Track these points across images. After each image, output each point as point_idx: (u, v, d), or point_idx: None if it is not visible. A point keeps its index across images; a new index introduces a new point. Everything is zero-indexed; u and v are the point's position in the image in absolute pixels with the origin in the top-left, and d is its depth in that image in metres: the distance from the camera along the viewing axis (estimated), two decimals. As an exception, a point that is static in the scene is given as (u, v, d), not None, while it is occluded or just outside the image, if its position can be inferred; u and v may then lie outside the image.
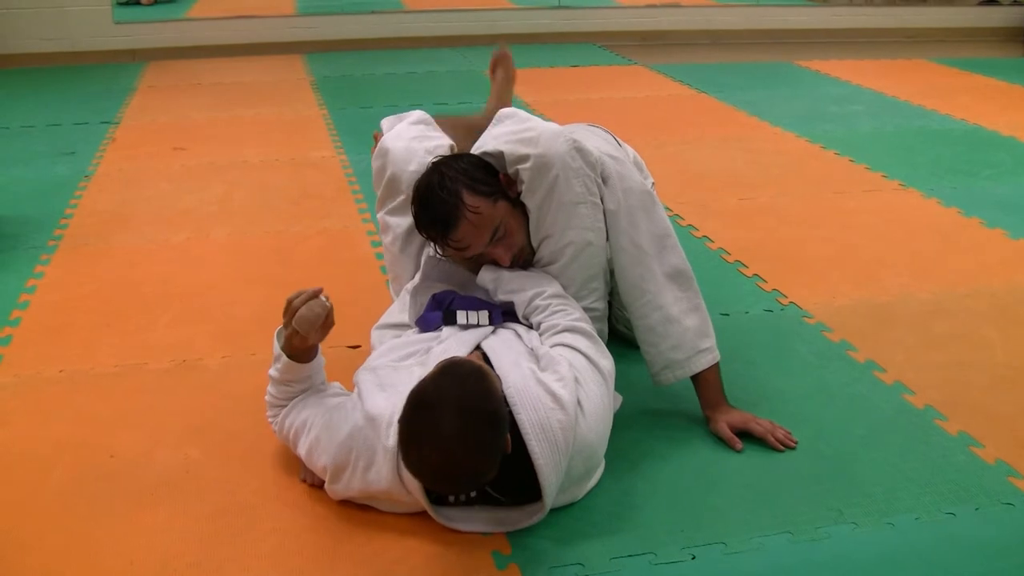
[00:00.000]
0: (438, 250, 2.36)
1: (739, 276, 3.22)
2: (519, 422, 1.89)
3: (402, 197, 2.48)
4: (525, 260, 2.35)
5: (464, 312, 2.21)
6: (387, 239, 2.59)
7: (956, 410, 2.45)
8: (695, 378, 2.35)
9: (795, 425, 2.36)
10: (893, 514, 2.05)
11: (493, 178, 2.29)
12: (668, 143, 4.71)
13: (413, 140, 2.51)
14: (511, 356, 2.05)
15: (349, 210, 3.81)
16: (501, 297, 2.29)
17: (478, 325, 2.19)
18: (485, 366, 1.90)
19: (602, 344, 2.23)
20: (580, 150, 2.24)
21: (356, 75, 6.37)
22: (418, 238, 2.46)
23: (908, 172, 4.28)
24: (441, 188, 2.22)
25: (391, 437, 1.92)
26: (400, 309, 2.45)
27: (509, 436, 1.84)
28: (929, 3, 7.98)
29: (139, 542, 1.96)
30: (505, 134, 2.33)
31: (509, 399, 1.90)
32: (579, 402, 2.00)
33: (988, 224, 3.67)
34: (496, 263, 2.33)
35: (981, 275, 3.25)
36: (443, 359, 1.91)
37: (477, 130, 2.57)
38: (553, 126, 2.30)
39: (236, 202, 3.92)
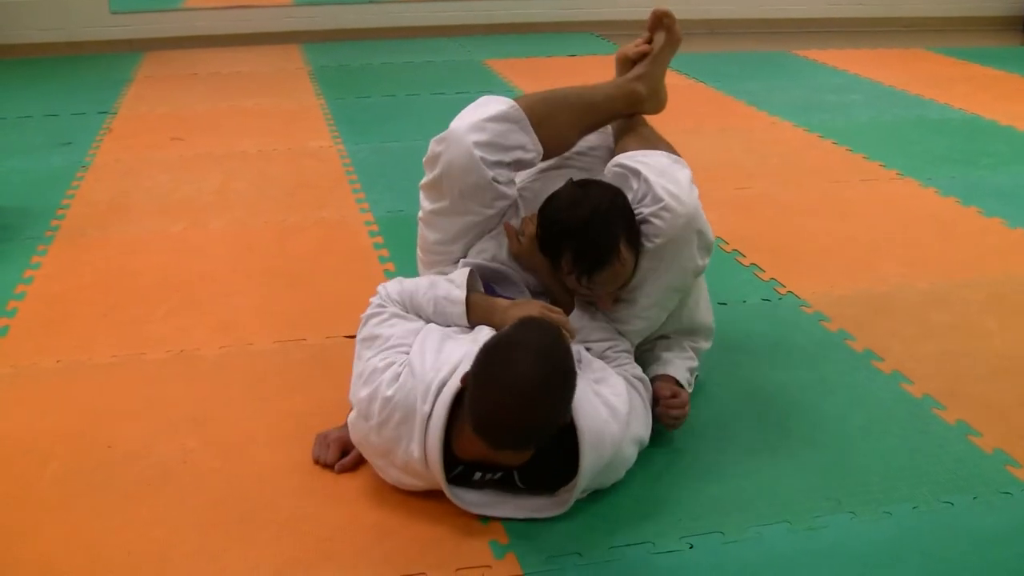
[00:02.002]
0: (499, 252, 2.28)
1: (737, 266, 3.21)
2: (578, 425, 1.89)
3: (447, 203, 2.26)
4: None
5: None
6: (431, 235, 2.36)
7: (954, 399, 2.45)
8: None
9: (792, 415, 2.37)
10: (891, 503, 2.05)
11: (638, 229, 2.15)
12: (665, 132, 4.63)
13: (479, 149, 2.19)
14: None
15: (347, 200, 3.80)
16: (575, 344, 2.20)
17: None
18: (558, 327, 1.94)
19: (650, 411, 2.20)
20: (707, 247, 2.22)
21: (354, 65, 6.35)
22: (463, 238, 2.32)
23: (906, 161, 4.27)
24: (602, 226, 2.07)
25: (428, 402, 1.90)
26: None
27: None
28: (927, -8, 7.97)
29: (137, 533, 1.96)
30: (653, 171, 2.20)
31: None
32: (628, 423, 2.02)
33: (986, 213, 3.67)
34: (594, 303, 2.25)
35: (979, 264, 3.25)
36: (521, 315, 1.95)
37: (593, 113, 2.43)
38: (687, 186, 2.20)
39: (234, 192, 3.91)
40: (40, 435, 2.29)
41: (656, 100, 2.56)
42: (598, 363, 2.14)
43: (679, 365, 2.35)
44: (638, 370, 2.23)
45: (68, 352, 2.67)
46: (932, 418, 2.38)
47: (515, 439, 1.83)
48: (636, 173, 2.20)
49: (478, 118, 2.23)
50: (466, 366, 1.89)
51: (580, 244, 2.08)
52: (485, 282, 2.25)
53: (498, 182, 2.23)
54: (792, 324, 2.84)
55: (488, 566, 1.86)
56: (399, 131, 4.65)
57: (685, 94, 5.63)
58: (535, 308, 2.08)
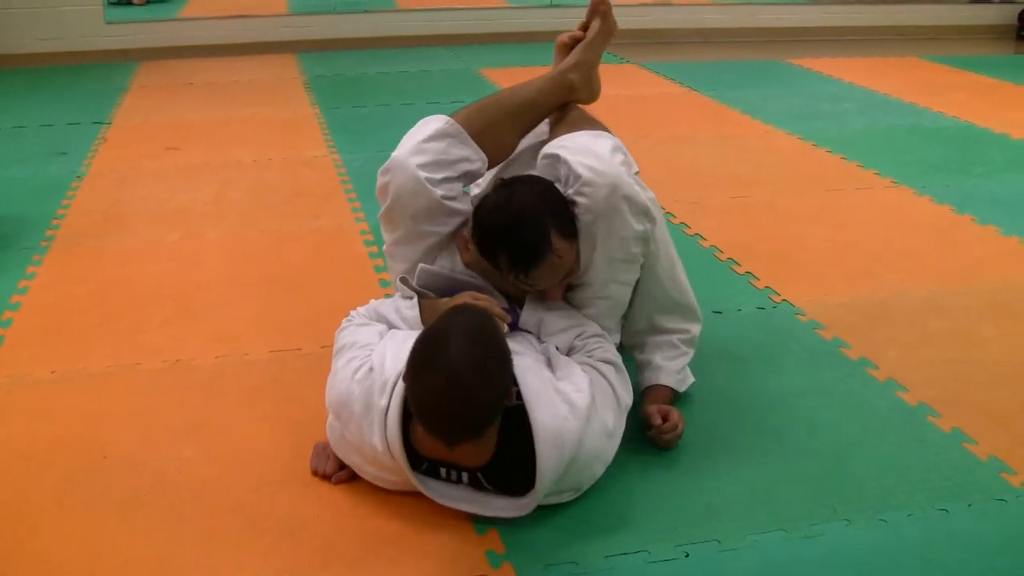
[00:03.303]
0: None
1: (731, 274, 3.22)
2: (533, 423, 1.90)
3: (403, 231, 2.30)
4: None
5: None
6: (399, 266, 2.37)
7: (949, 407, 2.45)
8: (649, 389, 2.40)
9: (787, 423, 2.37)
10: (886, 511, 2.05)
11: (571, 215, 2.15)
12: (660, 141, 4.71)
13: (423, 170, 2.23)
14: (529, 360, 2.05)
15: (342, 209, 3.80)
16: (544, 339, 2.23)
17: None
18: (486, 311, 1.99)
19: (628, 379, 2.22)
20: (642, 211, 2.17)
21: (349, 74, 6.36)
22: (428, 261, 2.32)
23: (900, 170, 4.28)
24: (531, 223, 2.08)
25: (384, 396, 1.94)
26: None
27: (515, 390, 1.90)
28: (920, 1, 7.98)
29: (134, 541, 1.96)
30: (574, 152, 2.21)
31: (526, 400, 1.91)
32: (589, 418, 2.00)
33: (980, 221, 3.67)
34: (542, 296, 2.26)
35: (973, 272, 3.26)
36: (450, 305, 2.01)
37: (528, 111, 2.46)
38: (608, 156, 2.21)
39: (229, 202, 3.91)
40: (36, 444, 2.29)
41: (588, 89, 2.57)
42: (563, 359, 2.13)
43: (669, 369, 2.37)
44: (610, 352, 2.21)
45: (64, 361, 2.67)
46: (927, 426, 2.38)
47: (454, 424, 1.82)
48: (558, 158, 2.22)
49: (417, 140, 2.28)
50: None
51: (512, 244, 2.11)
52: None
53: (448, 198, 2.25)
54: (787, 332, 2.85)
55: None
56: (394, 140, 4.54)
57: (680, 103, 5.64)
58: (463, 298, 2.14)
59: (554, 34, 2.68)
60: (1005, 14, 7.98)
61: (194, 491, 2.11)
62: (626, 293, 2.32)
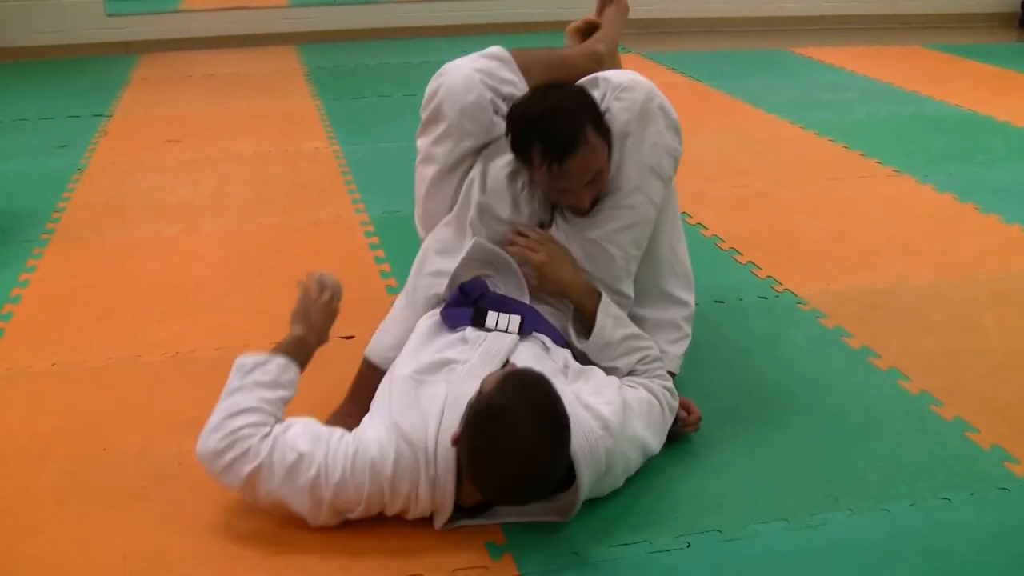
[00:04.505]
0: (520, 177, 2.25)
1: (734, 263, 3.21)
2: (571, 451, 1.86)
3: (445, 125, 2.31)
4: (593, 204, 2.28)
5: (495, 315, 2.13)
6: (428, 170, 2.38)
7: (951, 396, 2.44)
8: None
9: (789, 412, 2.36)
10: (888, 500, 2.05)
11: (606, 125, 2.19)
12: (662, 131, 4.69)
13: (478, 72, 2.29)
14: (549, 374, 1.98)
15: (343, 201, 3.79)
16: (607, 363, 2.18)
17: (507, 331, 2.11)
18: (541, 372, 1.87)
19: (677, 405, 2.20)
20: (674, 126, 2.29)
21: (349, 66, 6.35)
22: (458, 173, 2.33)
23: (902, 158, 4.27)
24: (567, 114, 2.10)
25: (431, 466, 1.86)
26: (440, 249, 2.33)
27: None
28: (923, -11, 7.97)
29: (132, 535, 1.96)
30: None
31: None
32: (622, 432, 1.99)
33: (983, 210, 3.66)
34: (574, 209, 2.25)
35: (976, 261, 3.25)
36: (502, 373, 1.86)
37: (564, 67, 2.51)
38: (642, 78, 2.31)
39: (229, 194, 3.91)
40: (36, 438, 2.29)
41: (613, 60, 2.67)
42: (587, 368, 2.12)
43: (672, 355, 2.35)
44: (668, 381, 2.20)
45: (64, 355, 2.66)
46: (929, 415, 2.37)
47: (523, 497, 1.85)
48: (595, 79, 2.30)
49: (473, 56, 2.36)
50: (450, 414, 1.87)
51: (547, 131, 2.10)
52: (480, 280, 2.24)
53: (495, 105, 2.29)
54: (789, 321, 2.84)
55: (485, 567, 1.86)
56: (395, 132, 4.64)
57: (682, 92, 5.61)
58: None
59: (555, 24, 2.70)
60: (1008, 2, 7.95)
61: (194, 484, 2.10)
62: (650, 214, 2.28)
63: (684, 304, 2.41)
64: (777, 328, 2.80)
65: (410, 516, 1.94)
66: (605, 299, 2.21)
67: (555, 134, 2.09)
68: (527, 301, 2.22)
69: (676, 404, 2.19)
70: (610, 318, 2.20)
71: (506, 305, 2.17)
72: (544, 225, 2.30)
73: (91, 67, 6.38)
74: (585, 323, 2.22)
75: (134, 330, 2.80)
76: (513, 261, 2.24)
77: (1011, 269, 3.18)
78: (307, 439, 1.91)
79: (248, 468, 1.89)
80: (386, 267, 3.15)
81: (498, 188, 2.26)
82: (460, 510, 1.92)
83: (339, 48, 6.86)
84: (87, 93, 5.65)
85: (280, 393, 2.02)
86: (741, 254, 3.27)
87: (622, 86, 2.24)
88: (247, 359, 2.06)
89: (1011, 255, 3.30)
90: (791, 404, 2.40)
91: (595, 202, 2.24)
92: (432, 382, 1.98)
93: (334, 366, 2.34)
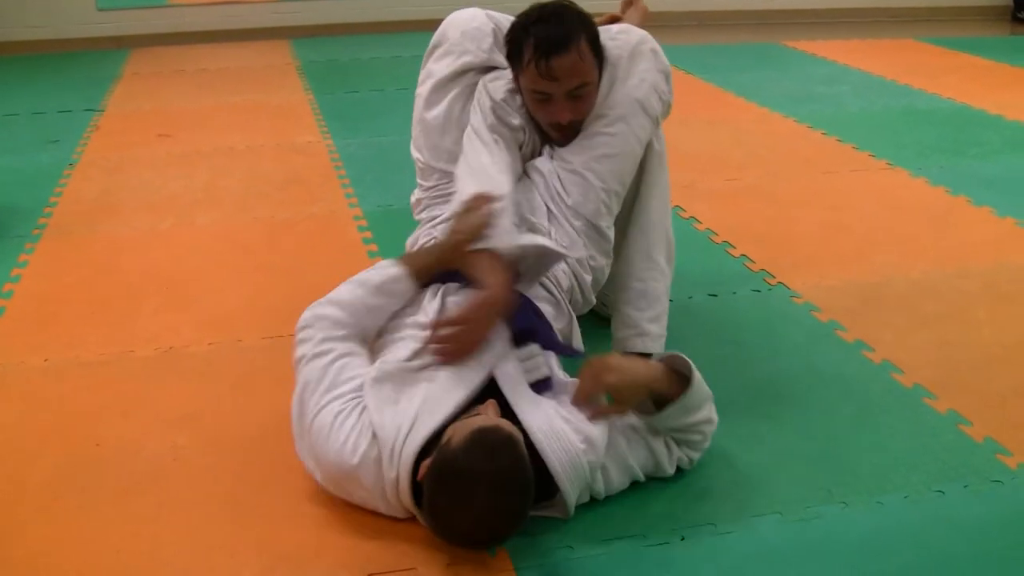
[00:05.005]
0: (505, 88, 2.33)
1: (727, 257, 3.21)
2: (549, 465, 1.86)
3: (447, 45, 2.46)
4: (573, 132, 2.33)
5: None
6: (426, 85, 2.50)
7: (945, 389, 2.45)
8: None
9: (783, 405, 2.36)
10: (882, 493, 2.05)
11: (601, 48, 2.28)
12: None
13: (484, 10, 2.48)
14: (528, 392, 1.99)
15: (336, 195, 3.79)
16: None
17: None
18: (515, 432, 1.81)
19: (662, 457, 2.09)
20: (665, 71, 2.37)
21: (342, 59, 6.33)
22: (456, 85, 2.43)
23: (896, 152, 4.27)
24: (566, 19, 2.21)
25: (392, 468, 1.87)
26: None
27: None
28: (915, -18, 7.97)
29: (126, 531, 1.95)
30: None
31: (536, 443, 1.86)
32: (608, 445, 1.97)
33: (975, 203, 3.67)
34: (557, 127, 2.31)
35: (969, 254, 3.25)
36: (472, 428, 1.80)
37: None
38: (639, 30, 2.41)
39: (222, 189, 3.90)
40: (29, 433, 2.28)
41: None
42: (575, 382, 2.05)
43: (655, 335, 2.39)
44: (697, 455, 2.11)
45: (56, 350, 2.66)
46: (923, 408, 2.38)
47: (479, 548, 1.87)
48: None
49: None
50: (424, 422, 1.87)
51: (543, 29, 2.19)
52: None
53: (496, 37, 2.41)
54: (782, 315, 2.84)
55: (480, 562, 1.86)
56: (388, 126, 4.63)
57: (675, 86, 5.60)
58: (487, 300, 2.05)
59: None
60: (1000, -5, 7.95)
61: (188, 479, 2.11)
62: (634, 148, 2.33)
63: (665, 275, 2.45)
64: (771, 321, 2.80)
65: (381, 509, 1.94)
66: (692, 387, 2.01)
67: (550, 31, 2.18)
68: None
69: (681, 461, 2.09)
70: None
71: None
72: (536, 152, 2.39)
73: (82, 62, 6.36)
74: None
75: (127, 325, 2.79)
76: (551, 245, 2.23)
77: (1004, 262, 3.19)
78: (328, 382, 1.99)
79: (294, 356, 2.08)
80: (380, 261, 3.14)
81: (504, 99, 2.34)
82: None
83: (332, 42, 6.84)
84: (78, 88, 5.63)
85: (380, 301, 2.14)
86: (734, 247, 3.27)
87: (617, 30, 2.36)
88: (384, 262, 2.22)
89: (1004, 248, 3.30)
90: (784, 397, 2.41)
91: (577, 130, 2.32)
92: (413, 380, 1.98)
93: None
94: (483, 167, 2.27)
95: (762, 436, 2.25)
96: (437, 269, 2.18)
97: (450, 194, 2.35)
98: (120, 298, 2.95)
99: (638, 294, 2.39)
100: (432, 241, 2.37)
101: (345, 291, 2.16)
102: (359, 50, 6.56)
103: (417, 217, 2.51)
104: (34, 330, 2.77)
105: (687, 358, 2.01)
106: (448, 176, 2.39)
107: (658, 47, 2.37)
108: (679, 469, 2.09)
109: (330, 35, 7.02)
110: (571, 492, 1.89)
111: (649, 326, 2.37)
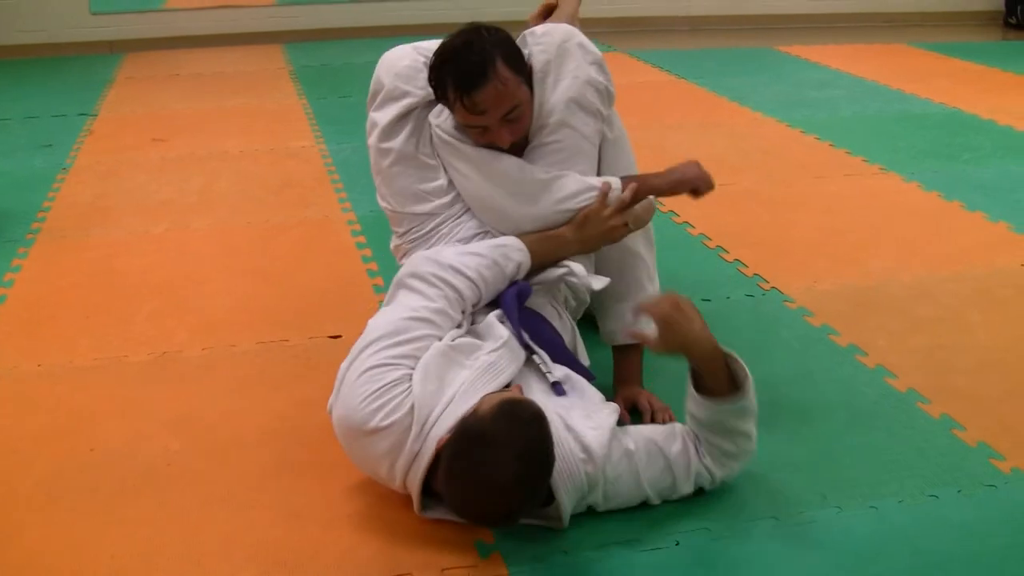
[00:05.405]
0: (443, 123, 2.29)
1: (720, 261, 3.21)
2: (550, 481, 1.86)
3: (384, 90, 2.40)
4: (519, 148, 2.30)
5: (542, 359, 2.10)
6: (372, 135, 2.45)
7: (938, 393, 2.45)
8: (622, 350, 2.42)
9: (777, 410, 2.36)
10: (876, 498, 2.05)
11: (523, 63, 2.24)
12: (648, 129, 4.69)
13: (412, 46, 2.41)
14: (540, 395, 1.99)
15: (330, 199, 3.79)
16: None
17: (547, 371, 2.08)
18: (542, 410, 1.82)
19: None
20: (597, 62, 2.30)
21: (336, 64, 6.34)
22: (400, 130, 2.37)
23: (889, 156, 4.28)
24: (476, 48, 2.14)
25: (418, 442, 1.86)
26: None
27: None
28: (908, -13, 7.99)
29: (120, 535, 1.95)
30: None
31: None
32: (607, 458, 1.94)
33: (968, 207, 3.67)
34: (498, 148, 2.26)
35: (962, 258, 3.26)
36: (503, 398, 1.83)
37: None
38: (565, 24, 2.37)
39: (216, 193, 3.90)
40: (23, 438, 2.28)
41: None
42: (583, 390, 2.07)
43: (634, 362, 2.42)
44: (720, 472, 2.07)
45: (50, 355, 2.65)
46: (916, 412, 2.38)
47: (489, 524, 1.88)
48: (523, 39, 2.32)
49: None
50: (458, 405, 1.87)
51: (456, 66, 2.13)
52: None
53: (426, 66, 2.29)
54: (776, 319, 2.84)
55: (474, 566, 1.86)
56: (382, 130, 4.63)
57: (668, 90, 5.63)
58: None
59: (539, 21, 2.68)
60: (992, 0, 7.97)
61: (182, 483, 2.11)
62: (581, 146, 2.31)
63: (646, 262, 2.46)
64: (764, 326, 2.80)
65: (381, 477, 1.94)
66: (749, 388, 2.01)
67: (464, 68, 2.13)
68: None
69: (701, 478, 2.04)
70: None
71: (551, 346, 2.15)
72: None
73: (76, 66, 6.36)
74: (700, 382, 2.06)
75: (121, 329, 2.79)
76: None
77: (997, 266, 3.19)
78: (406, 349, 1.96)
79: (391, 291, 2.15)
80: (373, 266, 3.14)
81: (454, 132, 2.30)
82: (438, 499, 1.92)
83: (325, 47, 6.84)
84: (72, 92, 5.63)
85: (486, 274, 2.14)
86: (727, 252, 3.27)
87: (540, 32, 2.30)
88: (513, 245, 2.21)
89: (996, 252, 3.31)
90: (778, 402, 2.40)
91: (523, 145, 2.29)
92: (459, 363, 1.97)
93: (323, 366, 2.34)
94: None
95: (757, 442, 2.25)
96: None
97: (426, 235, 2.34)
98: (114, 302, 2.95)
99: (620, 286, 2.38)
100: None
101: (482, 267, 2.15)
102: (352, 55, 6.57)
103: (401, 262, 2.41)
104: (28, 334, 2.76)
105: (744, 364, 2.02)
106: (419, 219, 2.36)
107: (584, 39, 2.31)
108: (700, 490, 2.05)
109: (323, 40, 7.03)
110: (567, 501, 1.89)
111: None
